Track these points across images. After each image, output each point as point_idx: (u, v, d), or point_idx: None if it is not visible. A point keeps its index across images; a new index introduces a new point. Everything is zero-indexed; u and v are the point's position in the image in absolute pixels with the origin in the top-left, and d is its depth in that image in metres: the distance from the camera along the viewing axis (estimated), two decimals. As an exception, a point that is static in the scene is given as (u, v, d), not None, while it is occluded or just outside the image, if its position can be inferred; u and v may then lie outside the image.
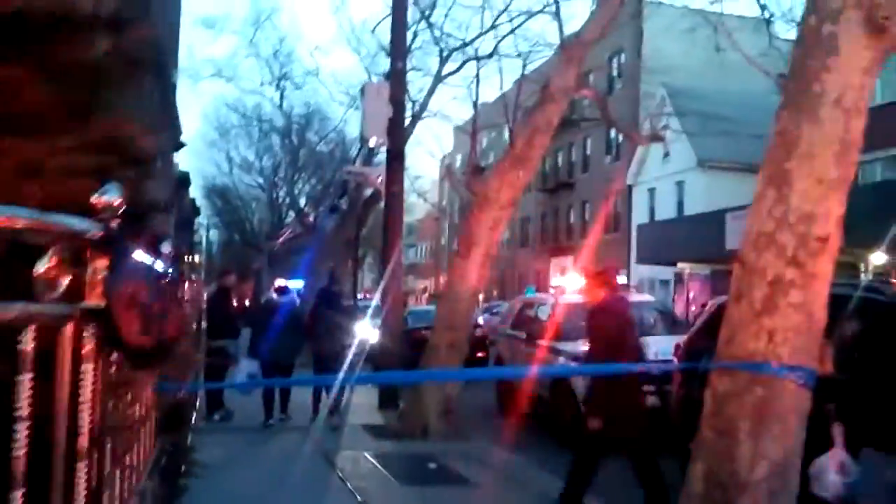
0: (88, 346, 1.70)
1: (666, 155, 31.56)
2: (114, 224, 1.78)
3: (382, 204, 22.55)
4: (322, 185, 37.95)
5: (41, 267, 1.52)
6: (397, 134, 13.45)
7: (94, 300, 1.72)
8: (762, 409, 4.17)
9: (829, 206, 4.20)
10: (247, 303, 20.54)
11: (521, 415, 11.94)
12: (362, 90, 13.98)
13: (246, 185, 45.72)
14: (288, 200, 42.48)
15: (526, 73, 19.25)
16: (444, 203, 54.24)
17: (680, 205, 32.29)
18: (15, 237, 1.52)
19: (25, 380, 1.46)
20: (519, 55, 16.72)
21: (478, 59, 18.86)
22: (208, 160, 45.01)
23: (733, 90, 29.08)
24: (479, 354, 17.13)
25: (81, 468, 1.68)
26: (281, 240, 37.84)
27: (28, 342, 1.47)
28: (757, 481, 4.16)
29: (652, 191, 34.60)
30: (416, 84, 24.26)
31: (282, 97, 36.61)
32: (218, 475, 6.07)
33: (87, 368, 1.70)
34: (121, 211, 1.83)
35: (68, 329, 1.63)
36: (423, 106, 23.65)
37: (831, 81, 4.20)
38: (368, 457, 8.52)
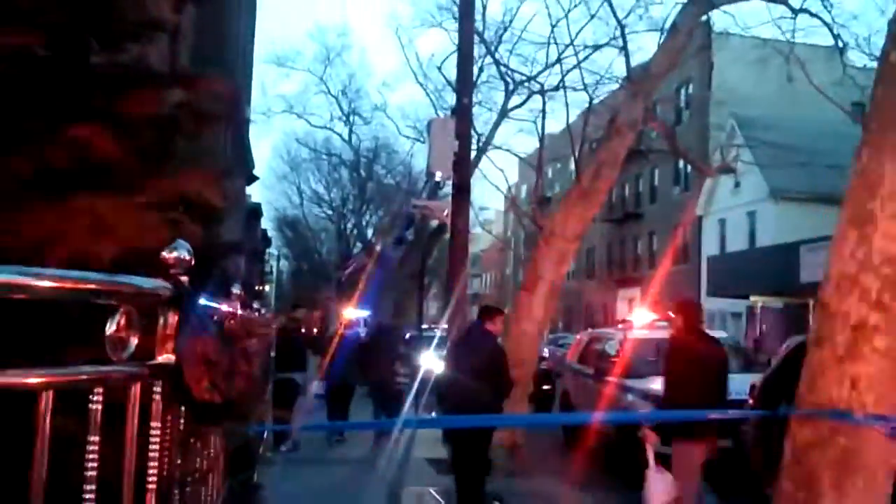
0: (157, 403, 1.70)
1: (737, 185, 30.95)
2: (184, 279, 1.79)
3: (448, 235, 22.60)
4: (389, 217, 38.32)
5: (111, 327, 1.52)
6: (463, 168, 13.48)
7: (163, 357, 1.72)
8: (846, 460, 3.98)
9: (914, 248, 4.02)
10: (315, 331, 20.83)
11: (588, 452, 11.73)
12: (429, 125, 14.09)
13: (315, 216, 46.58)
14: (356, 232, 43.04)
15: (592, 105, 19.17)
16: (509, 234, 54.11)
17: (752, 236, 31.56)
18: (85, 299, 1.53)
19: (94, 440, 1.46)
20: (585, 88, 16.65)
21: (543, 92, 18.84)
22: (280, 193, 46.03)
23: (805, 119, 28.42)
24: (545, 387, 16.90)
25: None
26: (348, 270, 38.25)
27: (97, 403, 1.47)
28: (841, 536, 3.96)
29: (722, 221, 33.92)
30: (482, 118, 24.39)
31: (350, 132, 37.27)
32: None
33: (156, 425, 1.70)
34: (192, 265, 1.84)
35: (137, 388, 1.63)
36: (489, 139, 23.73)
37: (915, 118, 4.04)
38: (434, 493, 8.43)
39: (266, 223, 47.94)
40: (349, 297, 29.51)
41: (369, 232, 41.63)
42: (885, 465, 4.02)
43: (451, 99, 21.36)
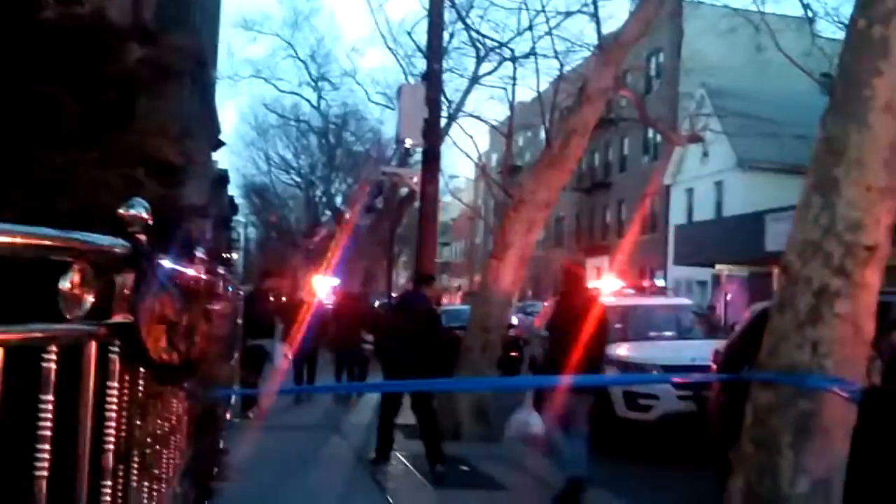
0: (114, 363, 1.67)
1: (705, 155, 31.15)
2: (141, 238, 1.75)
3: (418, 203, 22.53)
4: (358, 185, 38.11)
5: (64, 284, 1.49)
6: (433, 135, 13.42)
7: (120, 316, 1.69)
8: (805, 422, 4.05)
9: (877, 214, 4.07)
10: (283, 299, 20.79)
11: (556, 418, 11.85)
12: (399, 91, 13.98)
13: (283, 183, 46.16)
14: (324, 199, 42.75)
15: (563, 73, 19.10)
16: (479, 202, 54.13)
17: (718, 205, 31.87)
18: (39, 255, 1.49)
19: (48, 400, 1.42)
20: (556, 56, 16.56)
21: (514, 59, 18.73)
22: (247, 159, 45.48)
23: (774, 90, 28.59)
24: (513, 354, 17.01)
25: (106, 486, 1.65)
26: (317, 238, 38.06)
27: (50, 362, 1.44)
28: (798, 496, 4.04)
29: (690, 191, 34.20)
30: (452, 84, 24.20)
31: (319, 97, 36.87)
32: (249, 477, 6.08)
33: (113, 385, 1.67)
34: (149, 223, 1.80)
35: (92, 347, 1.59)
36: (459, 106, 23.61)
37: (881, 85, 4.06)
38: (401, 457, 8.49)
39: (233, 190, 47.43)
40: (318, 265, 29.41)
41: (338, 200, 41.37)
42: (843, 428, 4.10)
43: (421, 65, 21.15)
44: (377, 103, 44.57)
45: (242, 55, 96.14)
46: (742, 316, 12.79)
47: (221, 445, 4.59)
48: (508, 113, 24.67)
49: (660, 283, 13.76)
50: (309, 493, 6.63)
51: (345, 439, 9.54)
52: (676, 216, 34.21)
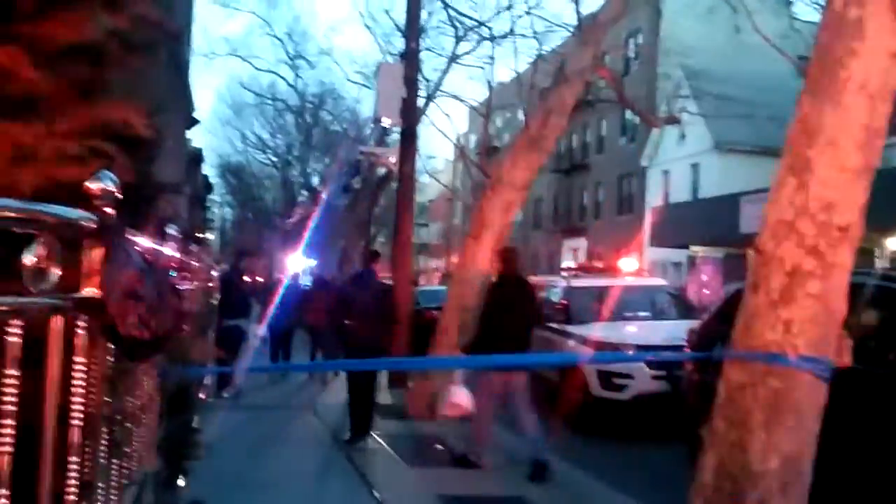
0: (81, 338, 1.64)
1: (682, 137, 31.29)
2: (109, 211, 1.72)
3: (395, 184, 22.37)
4: (335, 165, 37.90)
5: (29, 257, 1.46)
6: (411, 114, 13.36)
7: (88, 290, 1.66)
8: (777, 400, 4.09)
9: (851, 195, 4.09)
10: (259, 280, 20.78)
11: (531, 397, 11.92)
12: (376, 70, 13.88)
13: (260, 163, 45.83)
14: (301, 179, 42.51)
15: (542, 53, 19.04)
16: (457, 183, 54.09)
17: (695, 187, 32.05)
18: (4, 227, 1.46)
19: (11, 374, 1.40)
20: (535, 35, 16.50)
21: (493, 39, 18.65)
22: (223, 138, 45.13)
23: (751, 72, 28.69)
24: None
25: (73, 462, 1.63)
26: (294, 218, 37.86)
27: (15, 336, 1.41)
28: (769, 473, 4.08)
29: (666, 173, 34.34)
30: (431, 64, 24.08)
31: (296, 76, 36.56)
32: (223, 456, 6.06)
33: (80, 360, 1.64)
34: (118, 197, 1.76)
35: (58, 321, 1.57)
36: (437, 86, 23.49)
37: (856, 66, 4.07)
38: (376, 437, 8.50)
39: (209, 169, 47.06)
40: (294, 246, 29.29)
41: (315, 179, 41.14)
42: (814, 406, 4.14)
43: (399, 44, 21.02)
44: (355, 82, 44.32)
45: (218, 32, 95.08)
46: (716, 297, 12.91)
47: (195, 424, 4.57)
48: (487, 93, 24.65)
49: (636, 263, 13.83)
50: (283, 473, 6.63)
51: (320, 419, 9.53)
52: (653, 198, 34.37)
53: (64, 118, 1.81)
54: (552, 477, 6.88)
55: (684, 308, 11.73)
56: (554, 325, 10.97)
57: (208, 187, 47.49)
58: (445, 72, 23.07)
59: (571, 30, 17.44)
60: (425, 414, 9.77)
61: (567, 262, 35.25)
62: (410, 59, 13.71)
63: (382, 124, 15.12)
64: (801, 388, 4.11)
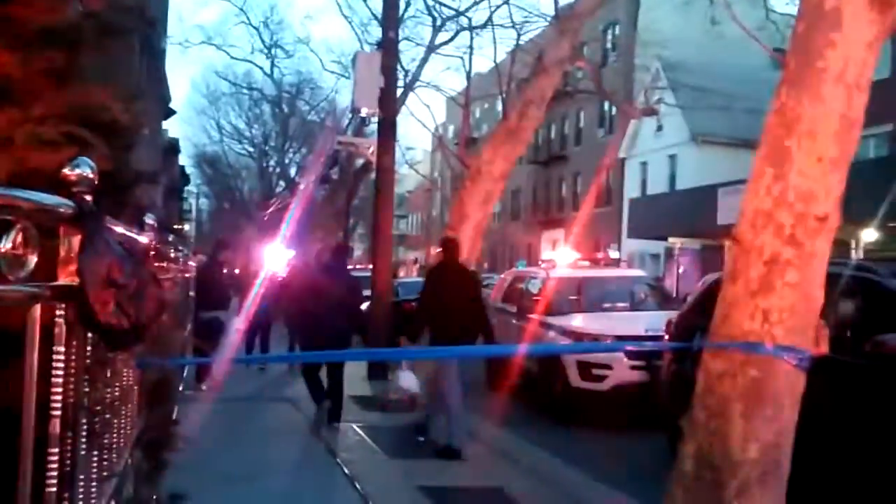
0: (60, 326, 1.61)
1: (659, 128, 31.45)
2: (87, 198, 1.69)
3: (374, 174, 22.18)
4: (313, 155, 37.71)
5: (5, 244, 1.42)
6: (389, 104, 13.30)
7: (66, 278, 1.63)
8: (756, 389, 4.12)
9: (828, 185, 4.12)
10: (237, 271, 20.69)
11: (510, 389, 11.95)
12: (354, 59, 13.79)
13: (236, 153, 45.48)
14: (278, 170, 42.26)
15: (520, 43, 19.02)
16: (436, 174, 54.05)
17: (672, 179, 32.25)
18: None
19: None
20: (514, 26, 16.45)
21: (471, 28, 18.60)
22: (199, 128, 44.77)
23: (728, 64, 28.87)
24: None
25: (53, 453, 1.60)
26: (271, 209, 37.65)
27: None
28: (748, 461, 4.11)
29: (644, 164, 34.53)
30: (409, 54, 23.98)
31: (272, 65, 36.29)
32: (203, 448, 6.02)
33: (59, 350, 1.61)
34: (96, 184, 1.73)
35: (37, 309, 1.53)
36: (416, 76, 23.40)
37: (834, 57, 4.09)
38: (356, 428, 8.49)
39: (184, 160, 46.68)
40: (272, 237, 29.10)
41: (292, 170, 40.93)
42: (792, 395, 4.17)
43: (377, 33, 20.92)
44: (332, 72, 44.07)
45: (193, 21, 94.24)
46: (694, 288, 13.00)
47: (175, 416, 4.52)
48: (465, 84, 24.58)
49: (614, 255, 13.89)
50: (264, 466, 6.59)
51: (299, 411, 9.49)
52: (631, 189, 34.54)
53: (39, 103, 1.77)
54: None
55: (663, 299, 11.80)
56: (533, 317, 10.99)
57: (184, 178, 47.13)
58: (424, 62, 23.01)
59: (549, 20, 17.46)
60: (405, 406, 9.77)
61: (547, 254, 35.38)
62: (388, 48, 13.65)
63: (361, 114, 15.02)
64: (780, 377, 4.14)
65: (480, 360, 13.39)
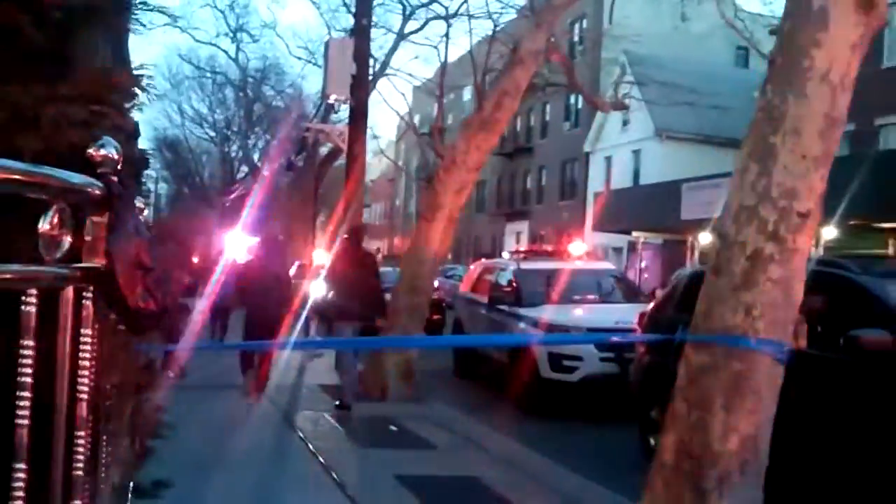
0: (88, 309, 1.59)
1: (624, 123, 31.71)
2: (114, 179, 1.66)
3: (338, 162, 21.97)
4: (278, 141, 37.34)
5: (44, 225, 1.40)
6: (361, 91, 13.25)
7: (92, 261, 1.60)
8: (737, 382, 4.18)
9: (811, 182, 4.19)
10: (195, 258, 20.46)
11: (479, 378, 12.03)
12: (326, 45, 13.71)
13: (197, 137, 44.90)
14: (241, 155, 41.81)
15: (494, 33, 19.03)
16: (401, 163, 53.89)
17: (636, 173, 32.54)
18: (11, 192, 1.39)
19: (29, 346, 1.34)
20: (490, 16, 16.48)
21: (447, 17, 18.56)
22: (159, 111, 43.97)
23: (694, 61, 29.21)
24: (435, 317, 17.10)
25: (80, 436, 1.58)
26: (234, 195, 37.25)
27: (31, 305, 1.36)
28: (728, 453, 4.18)
29: (609, 159, 34.80)
30: (377, 42, 23.87)
31: (237, 50, 35.86)
32: (181, 436, 5.95)
33: (87, 332, 1.59)
34: (120, 165, 1.71)
35: (70, 291, 1.51)
36: (385, 64, 23.31)
37: (820, 56, 4.16)
38: (328, 418, 8.47)
39: (144, 143, 45.85)
40: (234, 223, 28.80)
41: (256, 156, 40.50)
42: (772, 388, 4.25)
43: (344, 21, 20.78)
44: (298, 58, 43.62)
45: (156, 1, 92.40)
46: (656, 282, 13.09)
47: (159, 403, 4.47)
48: (432, 74, 24.57)
49: (583, 247, 13.99)
50: (238, 454, 6.53)
51: (269, 400, 9.43)
52: (595, 183, 34.80)
53: (62, 79, 1.73)
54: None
55: (631, 292, 11.92)
56: (504, 308, 11.04)
57: (144, 161, 46.32)
58: (394, 49, 22.93)
59: (518, 10, 17.49)
60: (376, 395, 9.77)
61: (510, 246, 35.53)
62: (361, 35, 13.59)
63: (329, 101, 14.91)
64: (761, 370, 4.21)
65: (448, 350, 13.44)
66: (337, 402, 9.06)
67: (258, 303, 9.71)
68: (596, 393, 9.41)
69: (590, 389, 9.43)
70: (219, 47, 40.58)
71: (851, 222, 16.81)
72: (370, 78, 20.90)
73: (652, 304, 8.59)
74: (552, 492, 6.13)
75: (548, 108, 39.63)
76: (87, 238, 1.61)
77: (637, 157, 32.71)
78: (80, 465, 1.56)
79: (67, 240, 1.46)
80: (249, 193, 36.09)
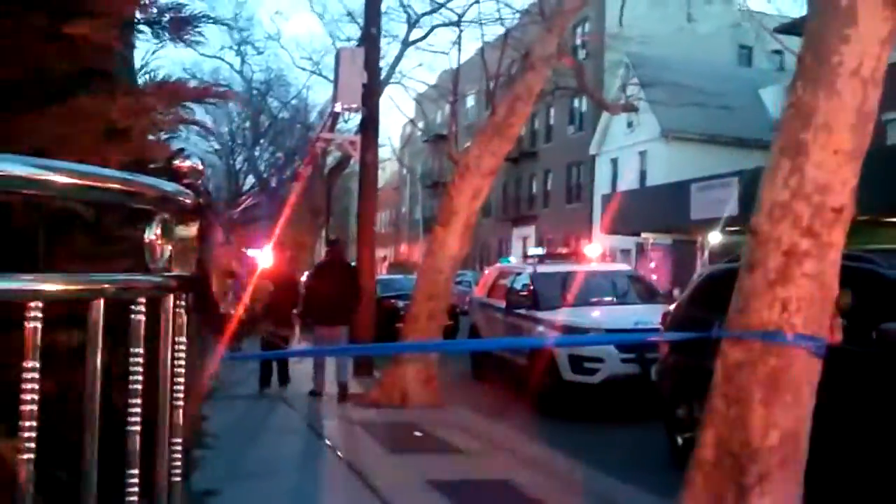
0: (181, 318, 1.61)
1: (630, 125, 31.71)
2: (201, 188, 1.69)
3: (347, 171, 21.97)
4: (283, 152, 37.44)
5: (150, 234, 1.43)
6: (372, 100, 13.29)
7: (182, 269, 1.63)
8: (775, 378, 4.20)
9: (844, 177, 4.22)
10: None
11: (498, 382, 12.02)
12: (337, 56, 13.74)
13: (202, 151, 44.98)
14: (246, 166, 41.91)
15: (493, 39, 19.10)
16: (405, 172, 53.97)
17: (643, 175, 32.54)
18: (118, 201, 1.42)
19: (138, 353, 1.37)
20: (500, 20, 16.56)
21: (458, 22, 18.60)
22: (163, 125, 44.10)
23: (698, 61, 29.23)
24: (448, 323, 17.08)
25: (177, 444, 1.60)
26: (241, 207, 37.33)
27: (140, 314, 1.38)
28: (768, 449, 4.20)
29: (615, 161, 34.80)
30: (382, 50, 23.86)
31: (242, 62, 35.99)
32: (219, 446, 5.95)
33: (180, 341, 1.61)
34: (203, 176, 1.74)
35: (169, 300, 1.54)
36: (391, 72, 23.37)
37: (849, 52, 4.19)
38: (353, 425, 8.49)
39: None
40: (242, 235, 28.81)
41: (262, 167, 40.60)
42: (810, 382, 4.26)
43: (348, 30, 20.82)
44: (303, 69, 43.72)
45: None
46: (668, 282, 13.09)
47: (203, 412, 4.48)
48: (434, 82, 24.58)
49: (598, 250, 14.01)
50: (266, 462, 6.56)
51: (292, 408, 9.47)
52: (602, 185, 34.80)
53: (154, 90, 1.76)
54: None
55: (649, 292, 11.91)
56: (522, 311, 11.05)
57: (200, 173, 46.35)
58: (399, 58, 22.99)
59: (521, 13, 17.52)
60: (396, 401, 9.77)
61: (516, 251, 35.53)
62: (370, 44, 13.65)
63: (340, 110, 14.94)
64: (798, 365, 4.23)
65: (463, 355, 13.45)
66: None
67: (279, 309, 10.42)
68: (617, 394, 9.42)
69: (611, 391, 9.44)
70: (223, 60, 40.64)
71: (860, 218, 16.75)
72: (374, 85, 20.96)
73: (674, 304, 8.59)
74: (586, 494, 6.14)
75: (552, 111, 39.62)
76: (177, 247, 1.64)
77: (643, 159, 32.70)
78: (178, 472, 1.59)
79: (168, 248, 1.49)
80: (257, 205, 36.22)
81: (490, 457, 7.34)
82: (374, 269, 13.70)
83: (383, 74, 22.84)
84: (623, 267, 13.98)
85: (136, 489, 1.38)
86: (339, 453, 7.04)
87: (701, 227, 22.03)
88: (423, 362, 10.04)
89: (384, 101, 44.16)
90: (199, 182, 1.69)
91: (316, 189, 26.63)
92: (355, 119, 18.67)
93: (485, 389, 12.02)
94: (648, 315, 9.20)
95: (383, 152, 40.18)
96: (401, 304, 14.92)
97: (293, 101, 37.02)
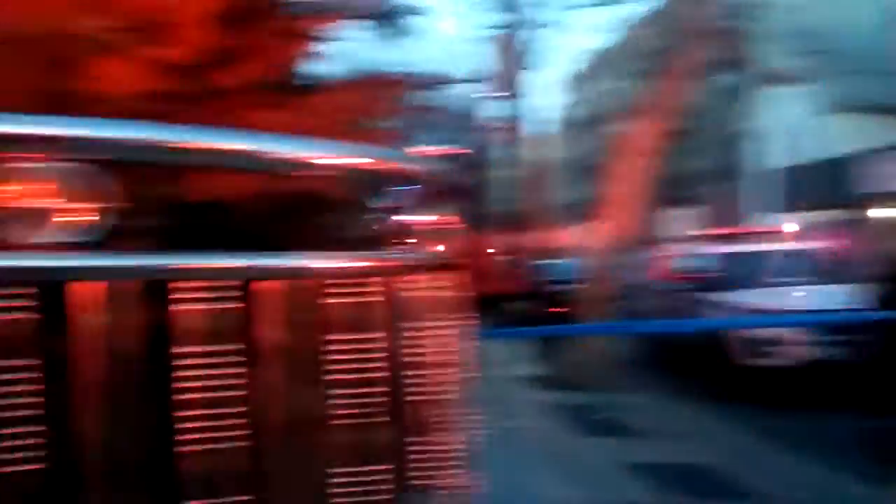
0: (446, 298, 1.57)
1: (790, 97, 29.91)
2: (454, 171, 1.66)
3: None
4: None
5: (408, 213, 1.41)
6: (519, 86, 13.25)
7: (441, 248, 1.59)
8: None
9: None
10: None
11: (672, 366, 11.51)
12: (492, 43, 13.82)
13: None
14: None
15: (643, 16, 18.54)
16: (557, 156, 53.34)
17: (805, 149, 30.60)
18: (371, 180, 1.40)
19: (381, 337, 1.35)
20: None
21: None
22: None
23: (860, 26, 27.10)
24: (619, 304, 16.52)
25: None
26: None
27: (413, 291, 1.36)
28: None
29: (774, 135, 32.93)
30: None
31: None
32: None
33: (446, 322, 1.57)
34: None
35: (437, 277, 1.50)
36: (540, 56, 23.18)
37: None
38: (542, 407, 8.43)
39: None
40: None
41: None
42: None
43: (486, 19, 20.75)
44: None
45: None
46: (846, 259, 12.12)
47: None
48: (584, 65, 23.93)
49: (793, 226, 13.15)
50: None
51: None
52: (764, 161, 33.05)
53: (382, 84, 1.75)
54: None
55: (844, 271, 10.81)
56: (703, 293, 10.46)
57: None
58: (548, 42, 22.74)
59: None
60: (581, 384, 9.54)
61: (675, 231, 34.39)
62: (520, 29, 13.63)
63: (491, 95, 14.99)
64: None
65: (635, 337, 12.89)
66: None
67: None
68: (812, 380, 8.76)
69: (803, 376, 8.82)
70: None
71: None
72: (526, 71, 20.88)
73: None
74: (798, 483, 5.73)
75: (706, 87, 38.00)
76: (434, 225, 1.60)
77: (807, 132, 30.76)
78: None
79: (429, 228, 1.47)
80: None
81: (680, 441, 7.04)
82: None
83: (534, 59, 22.76)
84: (812, 244, 12.84)
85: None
86: (532, 435, 6.98)
87: (869, 201, 20.59)
88: (605, 345, 9.92)
89: (536, 85, 43.77)
90: (456, 164, 1.66)
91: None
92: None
93: (660, 373, 11.52)
94: (846, 295, 8.55)
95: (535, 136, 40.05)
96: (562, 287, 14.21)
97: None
